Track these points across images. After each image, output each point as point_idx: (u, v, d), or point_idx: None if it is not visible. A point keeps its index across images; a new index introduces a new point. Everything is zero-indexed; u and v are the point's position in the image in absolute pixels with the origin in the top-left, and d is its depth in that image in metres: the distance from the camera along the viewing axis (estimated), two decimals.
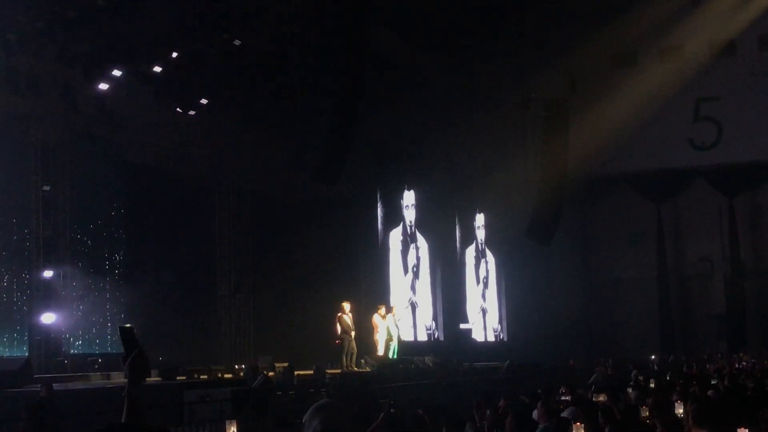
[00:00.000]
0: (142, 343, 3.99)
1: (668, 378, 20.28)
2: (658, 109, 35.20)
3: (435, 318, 32.27)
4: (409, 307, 30.50)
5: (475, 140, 32.19)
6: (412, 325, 30.29)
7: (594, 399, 12.51)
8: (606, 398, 12.02)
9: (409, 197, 31.09)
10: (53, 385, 15.23)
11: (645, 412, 9.52)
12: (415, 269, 31.21)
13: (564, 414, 11.29)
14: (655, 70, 36.01)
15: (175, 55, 22.09)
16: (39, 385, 15.13)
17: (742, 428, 7.34)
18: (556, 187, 34.65)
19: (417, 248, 31.47)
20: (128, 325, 4.19)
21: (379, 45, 25.39)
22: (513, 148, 35.12)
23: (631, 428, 9.03)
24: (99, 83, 21.19)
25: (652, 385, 16.54)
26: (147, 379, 4.05)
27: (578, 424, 8.25)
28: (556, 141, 34.78)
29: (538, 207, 33.92)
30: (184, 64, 22.40)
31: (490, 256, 37.18)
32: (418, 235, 31.59)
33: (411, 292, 30.84)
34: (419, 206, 31.44)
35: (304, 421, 3.98)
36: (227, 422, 8.13)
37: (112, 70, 21.30)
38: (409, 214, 31.09)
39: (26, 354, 19.45)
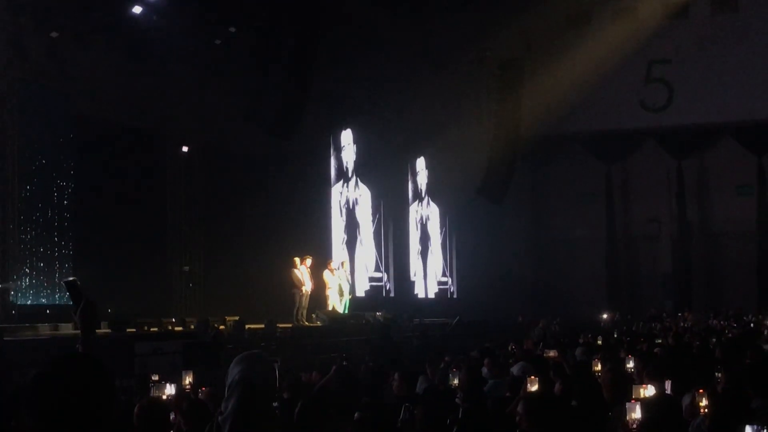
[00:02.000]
0: (87, 293, 4.06)
1: (615, 336, 20.69)
2: (611, 70, 35.37)
3: (387, 273, 32.26)
4: (345, 248, 29.92)
5: (428, 97, 32.12)
6: (350, 273, 28.33)
7: (544, 355, 12.72)
8: (556, 354, 12.23)
9: (346, 136, 30.30)
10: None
11: (596, 366, 9.68)
12: (347, 207, 30.48)
13: (513, 369, 11.47)
14: (609, 31, 36.12)
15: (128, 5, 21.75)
16: None
17: (667, 380, 7.54)
18: (509, 146, 34.89)
19: (357, 190, 31.01)
20: (72, 278, 4.24)
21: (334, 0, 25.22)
22: (466, 106, 35.12)
23: (582, 382, 9.19)
24: (50, 32, 20.78)
25: (599, 342, 16.85)
26: (97, 330, 4.13)
27: (532, 378, 8.37)
28: (510, 100, 34.98)
29: (490, 165, 34.12)
30: (137, 15, 22.06)
31: (433, 207, 36.65)
32: (361, 185, 31.20)
33: (344, 234, 30.14)
34: (365, 159, 31.00)
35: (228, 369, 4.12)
36: (183, 372, 8.13)
37: (64, 19, 20.91)
38: (347, 155, 30.50)
39: None
